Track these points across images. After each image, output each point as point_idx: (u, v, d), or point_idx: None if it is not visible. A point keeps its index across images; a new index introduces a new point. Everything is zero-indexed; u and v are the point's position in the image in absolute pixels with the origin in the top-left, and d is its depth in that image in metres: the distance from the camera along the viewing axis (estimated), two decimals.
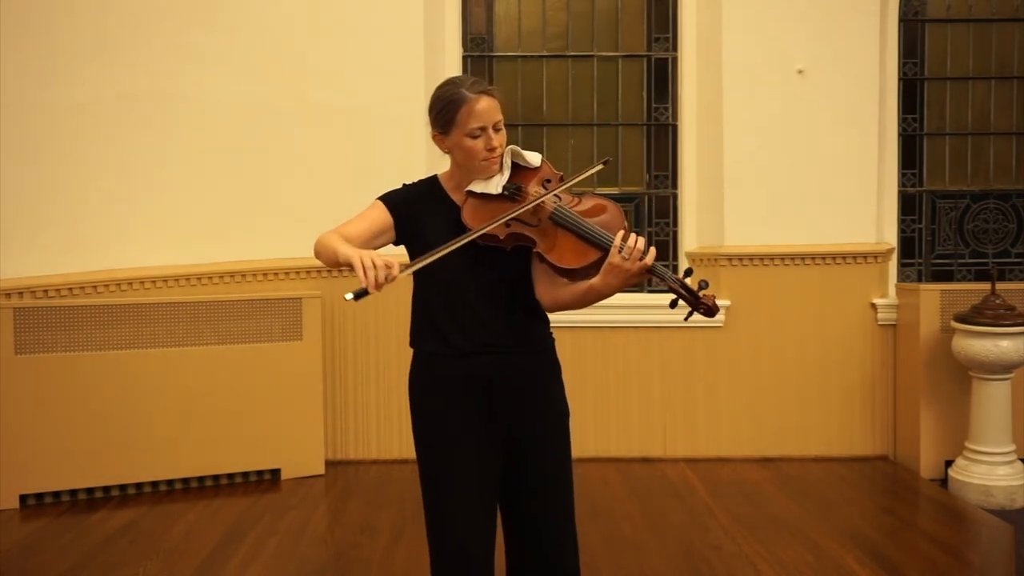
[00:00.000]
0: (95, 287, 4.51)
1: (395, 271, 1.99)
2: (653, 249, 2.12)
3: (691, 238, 5.15)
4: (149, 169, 4.67)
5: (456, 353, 2.24)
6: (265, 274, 4.87)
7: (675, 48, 5.15)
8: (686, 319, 2.21)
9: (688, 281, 2.14)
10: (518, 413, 2.27)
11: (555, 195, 2.22)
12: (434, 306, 2.26)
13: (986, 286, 4.52)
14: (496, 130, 2.22)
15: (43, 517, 4.15)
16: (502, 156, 2.26)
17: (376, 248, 2.21)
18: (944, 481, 4.67)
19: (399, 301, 4.74)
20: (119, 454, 4.39)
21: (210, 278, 4.77)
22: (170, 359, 4.46)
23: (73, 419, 4.32)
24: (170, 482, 4.52)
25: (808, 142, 4.92)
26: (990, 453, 4.41)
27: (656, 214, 5.21)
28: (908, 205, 5.18)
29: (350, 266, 2.01)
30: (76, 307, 4.34)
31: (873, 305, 4.96)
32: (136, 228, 4.65)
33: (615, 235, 2.13)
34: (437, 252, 2.07)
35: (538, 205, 2.19)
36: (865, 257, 4.95)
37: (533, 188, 2.25)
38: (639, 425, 5.02)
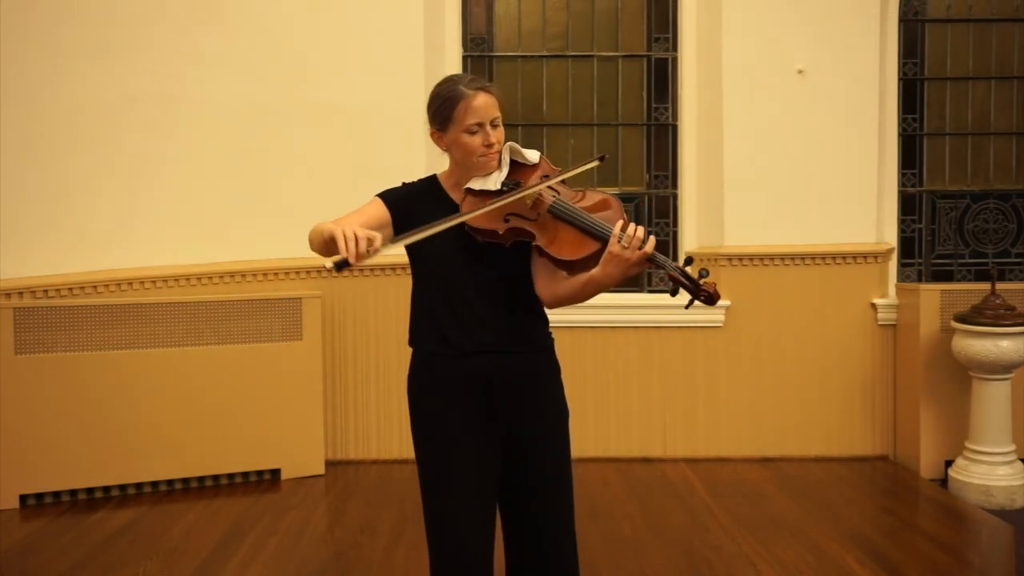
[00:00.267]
0: (95, 287, 4.51)
1: (377, 243, 1.98)
2: (652, 238, 2.12)
3: (691, 238, 5.15)
4: (149, 169, 4.68)
5: (456, 353, 2.23)
6: (265, 274, 4.87)
7: (675, 48, 5.15)
8: (687, 307, 2.20)
9: (688, 270, 2.14)
10: (518, 412, 2.27)
11: (553, 190, 2.22)
12: (434, 302, 2.26)
13: (986, 286, 4.52)
14: (494, 126, 2.22)
15: (43, 517, 4.15)
16: (500, 153, 2.26)
17: None
18: (944, 481, 4.66)
19: (399, 301, 4.78)
20: (119, 454, 4.39)
21: (210, 278, 4.77)
22: (170, 359, 4.46)
23: (73, 419, 4.32)
24: (170, 482, 4.52)
25: (808, 142, 4.92)
26: (990, 453, 4.41)
27: (656, 214, 5.21)
28: (908, 205, 5.18)
29: (335, 241, 1.99)
30: (76, 307, 4.34)
31: (873, 305, 4.96)
32: (136, 228, 4.66)
33: (614, 226, 2.13)
34: (427, 229, 2.06)
35: (537, 199, 2.19)
36: (865, 257, 4.95)
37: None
38: (639, 425, 5.02)
